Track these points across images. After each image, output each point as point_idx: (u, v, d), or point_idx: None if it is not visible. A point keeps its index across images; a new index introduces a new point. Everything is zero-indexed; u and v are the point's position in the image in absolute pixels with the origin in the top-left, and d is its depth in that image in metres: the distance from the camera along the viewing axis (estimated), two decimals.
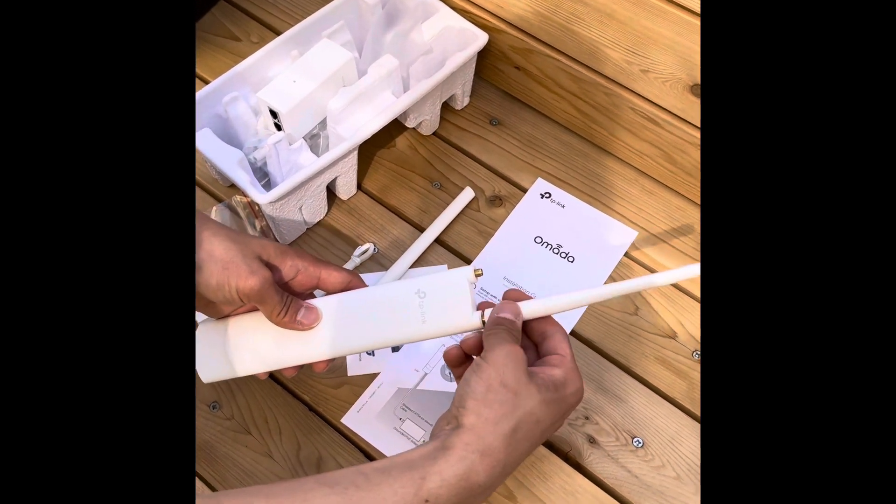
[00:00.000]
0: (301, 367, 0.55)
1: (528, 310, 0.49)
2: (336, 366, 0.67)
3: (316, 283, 0.54)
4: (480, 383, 0.44)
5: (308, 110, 0.69)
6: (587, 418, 0.65)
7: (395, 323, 0.50)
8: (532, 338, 0.51)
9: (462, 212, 0.74)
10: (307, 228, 0.74)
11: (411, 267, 0.71)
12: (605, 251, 0.73)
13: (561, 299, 0.50)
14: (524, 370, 0.45)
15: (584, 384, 0.49)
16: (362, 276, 0.70)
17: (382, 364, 0.67)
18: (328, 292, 0.55)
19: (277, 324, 0.52)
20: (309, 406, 0.66)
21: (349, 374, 0.67)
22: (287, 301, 0.52)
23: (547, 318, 0.50)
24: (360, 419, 0.65)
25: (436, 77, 0.71)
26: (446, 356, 0.52)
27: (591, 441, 0.64)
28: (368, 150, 0.78)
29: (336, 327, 0.51)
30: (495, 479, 0.44)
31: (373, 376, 0.66)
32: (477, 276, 0.50)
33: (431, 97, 0.75)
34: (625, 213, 0.75)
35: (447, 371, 0.67)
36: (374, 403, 0.65)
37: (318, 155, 0.72)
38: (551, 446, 0.64)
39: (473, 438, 0.43)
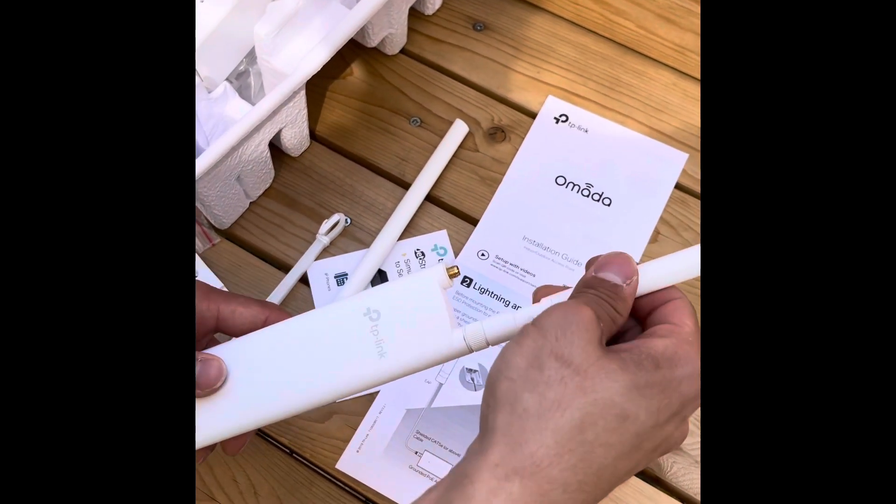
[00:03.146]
0: (210, 449, 0.40)
1: (648, 277, 0.35)
2: None
3: (214, 326, 0.39)
4: (520, 355, 0.31)
5: (227, 41, 0.53)
6: None
7: (338, 363, 0.37)
8: (638, 313, 0.36)
9: (455, 154, 0.59)
10: (250, 203, 0.57)
11: (401, 239, 0.56)
12: (650, 184, 0.58)
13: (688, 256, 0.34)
14: (596, 341, 0.31)
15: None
16: (336, 258, 0.53)
17: None
18: (236, 336, 0.41)
19: None
20: (290, 451, 0.51)
21: None
22: None
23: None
24: (361, 461, 0.50)
25: None
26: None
27: None
28: (317, 84, 0.62)
29: (251, 383, 0.38)
30: None
31: (371, 398, 0.52)
32: (452, 276, 0.37)
33: (396, 2, 0.56)
34: (666, 129, 0.60)
35: (469, 376, 0.51)
36: (377, 436, 0.51)
37: (251, 100, 0.55)
38: None
39: (506, 451, 0.29)
